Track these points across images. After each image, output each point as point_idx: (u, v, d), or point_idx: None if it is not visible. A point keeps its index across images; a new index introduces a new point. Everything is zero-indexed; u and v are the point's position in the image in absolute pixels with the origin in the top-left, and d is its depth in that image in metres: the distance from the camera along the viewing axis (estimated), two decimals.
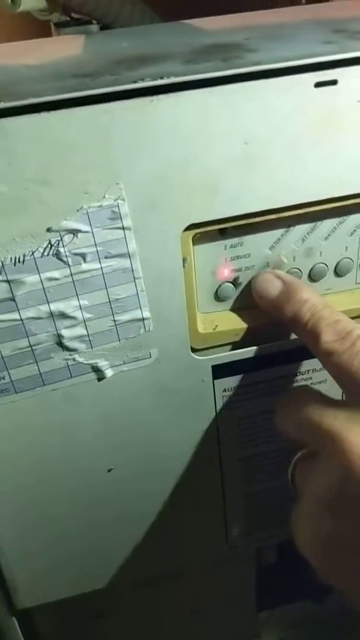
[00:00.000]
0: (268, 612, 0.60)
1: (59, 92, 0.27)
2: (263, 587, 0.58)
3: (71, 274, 0.32)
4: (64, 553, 0.42)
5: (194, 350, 0.36)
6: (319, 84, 0.30)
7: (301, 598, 0.59)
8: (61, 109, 0.27)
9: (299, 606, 0.60)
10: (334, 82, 0.30)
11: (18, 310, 0.32)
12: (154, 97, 0.28)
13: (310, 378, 0.40)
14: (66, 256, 0.31)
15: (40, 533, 0.41)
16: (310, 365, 0.39)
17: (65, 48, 0.38)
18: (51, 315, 0.33)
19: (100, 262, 0.32)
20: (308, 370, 0.39)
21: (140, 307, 0.34)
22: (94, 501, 0.40)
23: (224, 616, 0.59)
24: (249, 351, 0.37)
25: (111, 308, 0.33)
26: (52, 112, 0.27)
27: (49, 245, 0.31)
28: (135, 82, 0.28)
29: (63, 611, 0.51)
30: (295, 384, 0.39)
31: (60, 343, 0.34)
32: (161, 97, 0.28)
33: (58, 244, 0.31)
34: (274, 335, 0.37)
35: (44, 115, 0.27)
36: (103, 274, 0.32)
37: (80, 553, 0.43)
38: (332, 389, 0.40)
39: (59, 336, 0.33)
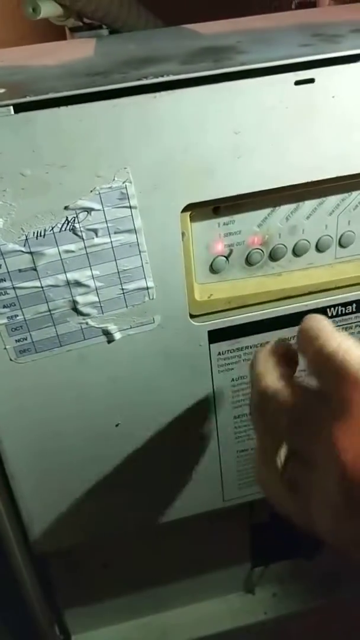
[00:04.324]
0: (262, 569, 0.65)
1: (75, 89, 0.32)
2: (257, 545, 0.63)
3: (85, 247, 0.37)
4: (76, 501, 0.47)
5: (192, 316, 0.41)
6: (298, 82, 0.34)
7: (293, 555, 0.64)
8: (77, 103, 0.32)
9: (290, 563, 0.64)
10: (311, 81, 0.34)
11: (39, 278, 0.37)
12: (157, 94, 0.33)
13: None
14: (81, 231, 0.36)
15: (55, 482, 0.46)
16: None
17: (79, 50, 0.42)
18: (67, 283, 0.37)
19: (110, 236, 0.37)
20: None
21: (145, 278, 0.39)
22: (104, 453, 0.45)
23: (220, 573, 0.64)
24: (241, 318, 0.42)
25: (119, 278, 0.38)
26: (70, 107, 0.32)
27: (66, 222, 0.35)
28: (139, 79, 0.33)
29: (73, 561, 0.56)
30: None
31: (75, 308, 0.38)
32: (163, 93, 0.33)
33: (74, 220, 0.35)
34: (263, 303, 0.42)
35: (63, 109, 0.32)
36: (112, 247, 0.37)
37: (90, 502, 0.48)
38: None
39: (74, 302, 0.38)
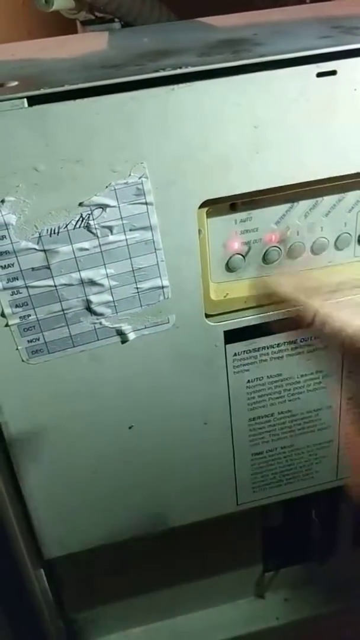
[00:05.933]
0: (273, 573, 0.63)
1: (91, 81, 0.31)
2: (268, 549, 0.62)
3: (99, 245, 0.36)
4: (86, 506, 0.46)
5: (207, 316, 0.40)
6: (320, 74, 0.33)
7: (305, 559, 0.63)
8: (93, 96, 0.31)
9: (302, 567, 0.63)
10: (333, 73, 0.33)
11: (52, 277, 0.36)
12: (175, 86, 0.32)
13: (313, 344, 0.43)
14: (95, 228, 0.35)
15: (66, 486, 0.45)
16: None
17: (92, 43, 0.41)
18: (81, 282, 0.36)
19: (125, 234, 0.36)
20: (312, 337, 0.43)
21: (160, 276, 0.38)
22: (115, 457, 0.44)
23: (231, 577, 0.63)
24: (257, 318, 0.41)
25: (134, 276, 0.37)
26: (85, 99, 0.31)
27: (81, 219, 0.34)
28: (157, 71, 0.32)
29: (82, 567, 0.55)
30: (298, 349, 0.43)
31: (89, 308, 0.37)
32: (181, 85, 0.32)
33: (88, 217, 0.34)
34: (280, 303, 0.41)
35: (78, 102, 0.31)
36: (128, 245, 0.36)
37: (100, 506, 0.47)
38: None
39: (88, 301, 0.37)
